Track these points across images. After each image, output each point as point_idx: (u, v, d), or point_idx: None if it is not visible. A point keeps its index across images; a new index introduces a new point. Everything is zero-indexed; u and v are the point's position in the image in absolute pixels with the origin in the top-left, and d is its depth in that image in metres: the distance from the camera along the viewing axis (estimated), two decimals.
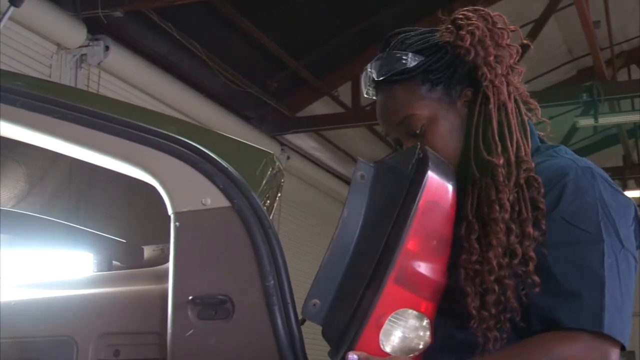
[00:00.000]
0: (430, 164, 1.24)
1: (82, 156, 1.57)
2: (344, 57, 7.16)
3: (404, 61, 1.35)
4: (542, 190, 1.25)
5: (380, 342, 1.20)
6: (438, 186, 1.24)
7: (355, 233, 1.28)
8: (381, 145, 8.66)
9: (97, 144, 1.53)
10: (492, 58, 1.34)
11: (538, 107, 1.43)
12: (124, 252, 1.83)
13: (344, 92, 7.41)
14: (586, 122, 7.09)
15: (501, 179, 1.27)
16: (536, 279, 1.20)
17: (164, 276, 1.48)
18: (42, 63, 5.08)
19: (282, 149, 7.40)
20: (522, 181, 1.26)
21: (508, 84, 1.35)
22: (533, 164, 1.29)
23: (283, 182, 1.73)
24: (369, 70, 1.41)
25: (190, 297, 1.40)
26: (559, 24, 7.64)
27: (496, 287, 1.22)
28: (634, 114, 7.94)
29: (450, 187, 1.26)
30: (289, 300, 1.39)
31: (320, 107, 7.55)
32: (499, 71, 1.34)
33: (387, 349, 1.21)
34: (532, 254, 1.22)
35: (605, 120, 7.31)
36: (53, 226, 1.86)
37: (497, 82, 1.33)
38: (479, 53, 1.34)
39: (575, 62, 8.70)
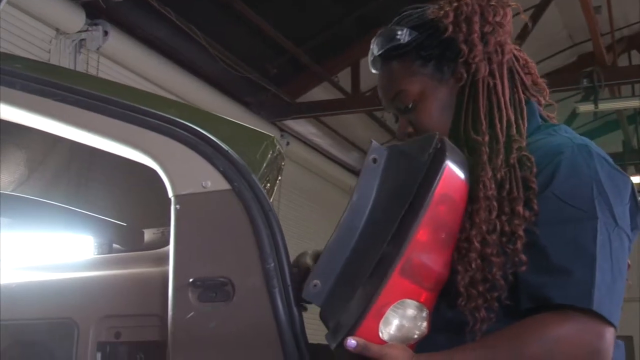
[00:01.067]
0: (447, 154, 1.22)
1: (82, 139, 1.57)
2: (344, 42, 7.13)
3: (398, 36, 1.37)
4: (535, 170, 1.24)
5: (379, 330, 1.21)
6: (453, 178, 1.23)
7: (363, 217, 1.28)
8: (381, 131, 8.65)
9: (97, 126, 1.52)
10: (475, 35, 1.34)
11: (546, 88, 1.43)
12: (124, 235, 1.83)
13: (344, 77, 7.38)
14: (586, 107, 7.08)
15: (485, 158, 1.27)
16: (523, 257, 1.20)
17: (164, 259, 1.48)
18: (41, 48, 5.06)
19: (281, 135, 7.39)
20: (512, 160, 1.26)
21: (492, 62, 1.34)
22: (525, 143, 1.28)
23: (283, 165, 1.73)
24: (372, 45, 1.43)
25: (190, 280, 1.41)
26: (560, 9, 7.61)
27: (481, 265, 1.22)
28: (634, 99, 7.92)
29: (464, 180, 1.25)
30: (289, 283, 1.40)
31: (320, 93, 7.53)
32: (480, 49, 1.33)
33: (385, 337, 1.21)
34: (520, 232, 1.21)
35: (606, 106, 7.30)
36: (53, 209, 1.87)
37: (476, 60, 1.33)
38: (462, 30, 1.34)
39: (576, 48, 8.67)
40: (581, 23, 6.47)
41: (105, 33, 5.26)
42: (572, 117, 8.46)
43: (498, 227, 1.23)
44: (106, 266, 1.66)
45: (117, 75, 5.48)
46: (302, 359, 1.35)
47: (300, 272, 1.40)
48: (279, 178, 1.73)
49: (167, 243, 1.47)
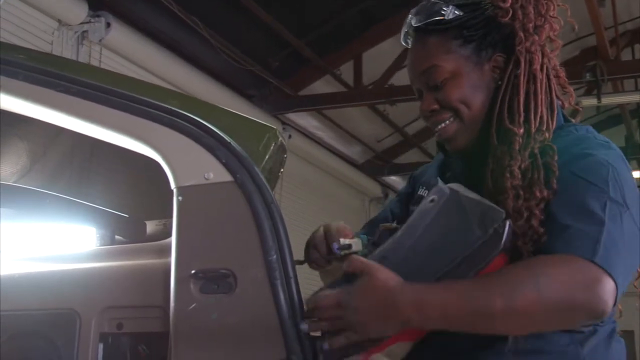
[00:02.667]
0: (504, 241, 1.22)
1: (84, 130, 1.57)
2: (347, 35, 7.12)
3: (443, 12, 1.35)
4: (556, 157, 1.26)
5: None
6: (497, 264, 1.23)
7: (404, 248, 1.27)
8: (383, 125, 8.64)
9: (99, 118, 1.52)
10: (531, 25, 1.33)
11: (573, 93, 1.44)
12: (126, 226, 1.83)
13: (346, 71, 7.37)
14: (589, 102, 7.06)
15: (517, 147, 1.28)
16: (540, 229, 1.22)
17: (166, 250, 1.48)
18: (43, 39, 5.05)
19: (283, 128, 7.38)
20: (536, 150, 1.27)
21: (543, 55, 1.35)
22: (549, 135, 1.30)
23: (286, 157, 1.72)
24: (410, 16, 1.41)
25: (192, 271, 1.41)
26: (564, 2, 7.58)
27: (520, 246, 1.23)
28: (637, 94, 7.91)
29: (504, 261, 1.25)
30: (291, 275, 1.40)
31: (322, 86, 7.52)
32: (537, 39, 1.33)
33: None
34: (536, 211, 1.23)
35: (609, 100, 7.28)
36: (56, 201, 1.87)
37: (532, 49, 1.33)
38: (518, 17, 1.33)
39: (579, 42, 8.65)
40: (584, 17, 6.45)
41: (108, 25, 5.25)
42: (574, 111, 8.44)
43: (525, 213, 1.24)
44: (108, 257, 1.66)
45: (119, 67, 5.48)
46: (303, 351, 1.35)
47: (318, 241, 1.47)
48: (282, 170, 1.73)
49: (170, 235, 1.47)
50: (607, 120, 10.75)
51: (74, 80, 1.54)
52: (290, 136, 7.44)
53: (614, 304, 1.16)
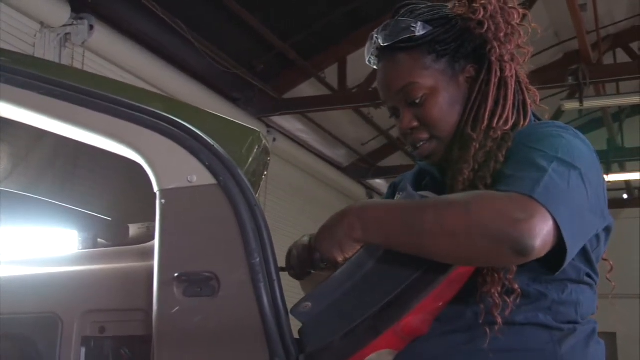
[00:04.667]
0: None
1: (67, 133, 1.56)
2: (331, 38, 7.13)
3: (412, 29, 1.35)
4: (510, 143, 1.28)
5: None
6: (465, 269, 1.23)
7: (374, 259, 1.26)
8: (368, 128, 8.66)
9: (82, 120, 1.51)
10: (502, 34, 1.35)
11: (537, 93, 1.44)
12: (109, 230, 1.82)
13: (331, 74, 7.38)
14: (571, 105, 7.13)
15: (472, 152, 1.29)
16: None
17: (149, 254, 1.48)
18: (26, 42, 5.02)
19: (268, 131, 7.38)
20: (489, 147, 1.28)
21: (514, 62, 1.36)
22: (500, 133, 1.31)
23: (269, 160, 1.72)
24: (375, 36, 1.40)
25: (175, 274, 1.40)
26: (546, 7, 7.65)
27: None
28: (619, 97, 7.98)
29: None
30: (274, 278, 1.39)
31: (306, 89, 7.53)
32: (508, 48, 1.35)
33: None
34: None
35: (591, 103, 7.35)
36: (38, 204, 1.85)
37: (506, 58, 1.34)
38: (490, 27, 1.34)
39: (562, 45, 8.73)
40: (567, 21, 6.50)
41: (91, 27, 5.22)
42: (557, 115, 8.51)
43: None
44: (91, 261, 1.65)
45: (103, 69, 5.45)
46: (287, 354, 1.35)
47: (299, 250, 1.45)
48: (265, 173, 1.72)
49: (152, 238, 1.46)
50: (589, 123, 10.85)
51: (56, 83, 1.53)
52: (274, 139, 7.43)
53: (560, 255, 1.15)
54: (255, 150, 1.61)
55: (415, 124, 1.37)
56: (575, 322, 1.29)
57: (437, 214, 1.16)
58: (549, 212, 1.10)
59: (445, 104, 1.35)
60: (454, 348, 1.26)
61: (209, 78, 6.51)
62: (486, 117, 1.32)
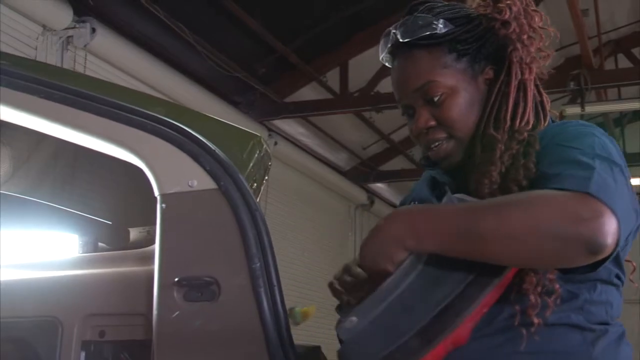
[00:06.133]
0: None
1: (68, 137, 1.56)
2: (333, 42, 7.13)
3: (433, 26, 1.32)
4: (538, 146, 1.25)
5: None
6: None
7: (417, 268, 1.18)
8: (369, 132, 8.66)
9: (83, 124, 1.52)
10: (525, 36, 1.33)
11: (548, 100, 1.42)
12: (109, 234, 1.83)
13: (332, 77, 7.39)
14: (573, 110, 7.12)
15: (498, 153, 1.26)
16: None
17: (149, 258, 1.48)
18: (28, 45, 5.02)
19: (269, 135, 7.38)
20: (514, 150, 1.26)
21: (534, 65, 1.34)
22: (525, 135, 1.28)
23: (270, 164, 1.72)
24: (393, 31, 1.36)
25: (176, 279, 1.40)
26: (548, 12, 7.64)
27: None
28: (621, 102, 7.98)
29: None
30: (275, 283, 1.39)
31: (308, 93, 7.53)
32: (530, 50, 1.33)
33: None
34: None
35: (592, 108, 7.34)
36: (38, 208, 1.85)
37: (527, 60, 1.32)
38: (515, 29, 1.32)
39: (563, 50, 8.73)
40: (569, 26, 6.50)
41: (93, 30, 5.22)
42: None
43: None
44: (91, 265, 1.65)
45: (105, 73, 5.45)
46: (286, 359, 1.35)
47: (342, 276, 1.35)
48: (266, 177, 1.72)
49: (153, 242, 1.46)
50: None
51: (57, 87, 1.53)
52: (276, 143, 7.43)
53: (616, 250, 1.09)
54: (256, 155, 1.61)
55: (432, 123, 1.33)
56: (607, 323, 1.26)
57: (498, 216, 1.10)
58: (613, 212, 1.07)
59: (465, 104, 1.32)
60: (490, 351, 1.23)
61: (210, 81, 6.51)
62: (508, 118, 1.29)
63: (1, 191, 1.99)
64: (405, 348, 1.11)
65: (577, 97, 6.95)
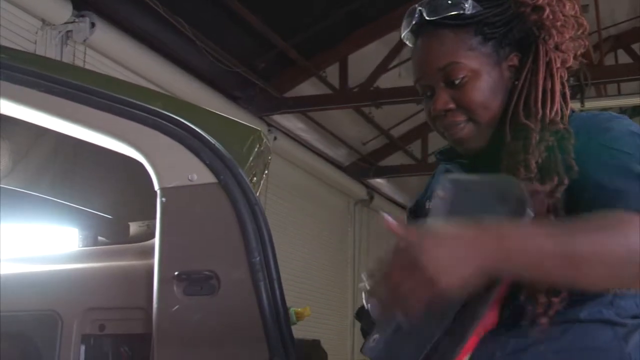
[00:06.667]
0: (528, 207, 1.11)
1: (68, 131, 1.56)
2: (333, 38, 7.12)
3: (462, 6, 1.27)
4: (573, 140, 1.22)
5: None
6: None
7: None
8: (369, 127, 8.65)
9: (83, 118, 1.51)
10: (559, 23, 1.29)
11: (568, 93, 1.39)
12: (109, 228, 1.83)
13: (332, 73, 7.38)
14: (572, 106, 7.10)
15: (533, 142, 1.22)
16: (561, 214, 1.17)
17: (149, 252, 1.48)
18: (27, 39, 5.01)
19: (269, 130, 7.37)
20: (551, 142, 1.22)
21: (563, 54, 1.30)
22: (564, 126, 1.25)
23: (270, 159, 1.72)
24: (419, 9, 1.31)
25: (176, 273, 1.40)
26: None
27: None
28: (620, 98, 7.98)
29: None
30: (274, 277, 1.40)
31: (307, 88, 7.52)
32: (562, 39, 1.29)
33: None
34: (556, 194, 1.18)
35: (592, 104, 7.32)
36: (38, 201, 1.85)
37: (562, 47, 1.29)
38: (549, 15, 1.28)
39: None
40: None
41: (92, 25, 5.21)
42: None
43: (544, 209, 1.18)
44: (91, 258, 1.65)
45: (104, 67, 5.44)
46: (286, 353, 1.35)
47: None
48: (266, 172, 1.72)
49: (153, 236, 1.46)
50: None
51: (57, 81, 1.53)
52: (275, 138, 7.43)
53: None
54: (256, 149, 1.61)
55: (452, 105, 1.28)
56: (638, 317, 1.23)
57: (592, 241, 1.07)
58: None
59: (487, 89, 1.27)
60: (519, 349, 1.20)
61: (210, 76, 6.50)
62: (539, 106, 1.25)
63: (1, 185, 1.99)
64: (438, 349, 1.09)
65: (577, 93, 6.92)
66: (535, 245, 1.07)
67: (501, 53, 1.30)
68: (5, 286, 1.60)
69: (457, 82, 1.27)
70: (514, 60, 1.30)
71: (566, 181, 1.19)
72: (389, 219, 1.05)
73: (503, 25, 1.29)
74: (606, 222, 1.11)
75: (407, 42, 1.36)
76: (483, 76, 1.27)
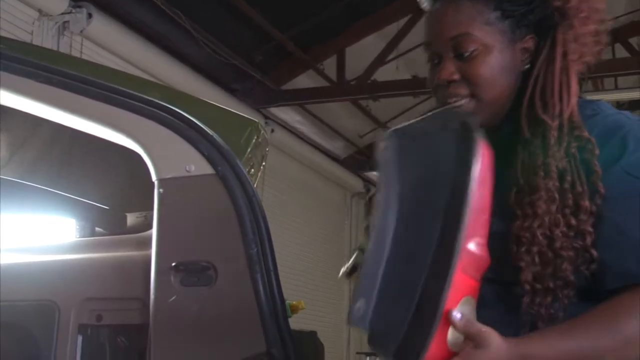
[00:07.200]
0: (474, 128, 1.07)
1: (65, 121, 1.56)
2: (330, 30, 7.11)
3: None
4: (597, 151, 1.16)
5: (448, 337, 1.05)
6: (486, 153, 1.09)
7: (393, 217, 1.11)
8: (366, 120, 8.65)
9: (81, 109, 1.51)
10: (583, 14, 1.24)
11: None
12: (107, 219, 1.83)
13: (329, 65, 7.37)
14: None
15: (552, 142, 1.17)
16: (594, 253, 1.13)
17: (147, 243, 1.48)
18: (23, 29, 4.99)
19: (266, 122, 7.36)
20: (573, 150, 1.17)
21: (581, 47, 1.25)
22: (586, 133, 1.18)
23: (268, 151, 1.73)
24: None
25: (173, 264, 1.41)
26: None
27: (547, 259, 1.14)
28: (618, 92, 7.98)
29: (490, 150, 1.10)
30: (271, 268, 1.40)
31: (305, 81, 7.51)
32: (584, 31, 1.24)
33: (450, 340, 1.05)
34: (589, 228, 1.13)
35: (589, 98, 7.34)
36: (35, 192, 1.85)
37: (582, 41, 1.24)
38: (575, 3, 1.23)
39: None
40: None
41: (89, 16, 5.19)
42: None
43: (562, 221, 1.14)
44: (88, 249, 1.65)
45: (101, 59, 5.43)
46: (283, 344, 1.36)
47: None
48: (263, 164, 1.73)
49: (150, 227, 1.46)
50: None
51: (55, 71, 1.53)
52: (272, 130, 7.42)
53: None
54: (253, 141, 1.61)
55: (456, 77, 1.23)
56: None
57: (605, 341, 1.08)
58: None
59: (497, 66, 1.22)
60: None
61: (207, 68, 6.49)
62: (556, 99, 1.20)
63: None
64: (428, 293, 1.05)
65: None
66: (554, 354, 1.07)
67: (517, 33, 1.24)
68: (3, 276, 1.60)
69: (466, 54, 1.22)
70: (530, 43, 1.25)
71: (593, 208, 1.14)
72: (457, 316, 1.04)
73: (524, 5, 1.24)
74: (626, 321, 1.08)
75: (423, 5, 1.30)
76: (494, 53, 1.22)
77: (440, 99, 1.26)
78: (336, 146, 8.94)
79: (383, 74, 6.94)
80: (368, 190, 9.72)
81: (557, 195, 1.16)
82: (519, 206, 1.18)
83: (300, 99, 7.42)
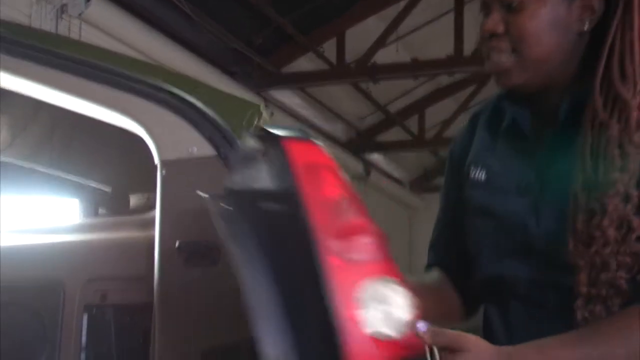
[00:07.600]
0: (276, 134, 1.00)
1: (67, 104, 1.57)
2: (330, 13, 7.09)
3: None
4: None
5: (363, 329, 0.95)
6: (303, 150, 1.02)
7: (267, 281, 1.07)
8: (366, 103, 8.65)
9: (82, 91, 1.52)
10: None
11: None
12: (110, 200, 1.84)
13: (329, 48, 7.36)
14: None
15: (633, 124, 1.03)
16: None
17: (150, 224, 1.50)
18: (22, 11, 4.98)
19: (266, 105, 7.36)
20: None
21: None
22: None
23: None
24: None
25: (176, 244, 1.42)
26: None
27: (609, 262, 1.03)
28: None
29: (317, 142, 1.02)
30: None
31: (305, 64, 7.50)
32: None
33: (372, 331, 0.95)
34: None
35: None
36: (38, 174, 1.87)
37: None
38: None
39: None
40: None
41: None
42: None
43: (636, 222, 1.02)
44: (92, 230, 1.67)
45: (100, 42, 5.41)
46: None
47: None
48: None
49: (153, 208, 1.48)
50: None
51: (56, 54, 1.54)
52: (272, 114, 7.42)
53: None
54: (255, 123, 1.62)
55: (501, 30, 1.12)
56: None
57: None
58: None
59: (546, 22, 1.09)
60: None
61: (207, 52, 6.48)
62: (637, 72, 1.04)
63: (1, 158, 2.01)
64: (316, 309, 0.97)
65: None
66: None
67: None
68: (8, 257, 1.62)
69: (513, 4, 1.10)
70: (592, 4, 1.10)
71: None
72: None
73: None
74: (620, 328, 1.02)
75: None
76: (546, 6, 1.10)
77: (484, 50, 1.16)
78: (336, 129, 8.94)
79: (383, 57, 6.93)
80: (368, 173, 9.74)
81: (633, 192, 1.02)
82: (585, 199, 1.05)
83: (300, 82, 7.41)
